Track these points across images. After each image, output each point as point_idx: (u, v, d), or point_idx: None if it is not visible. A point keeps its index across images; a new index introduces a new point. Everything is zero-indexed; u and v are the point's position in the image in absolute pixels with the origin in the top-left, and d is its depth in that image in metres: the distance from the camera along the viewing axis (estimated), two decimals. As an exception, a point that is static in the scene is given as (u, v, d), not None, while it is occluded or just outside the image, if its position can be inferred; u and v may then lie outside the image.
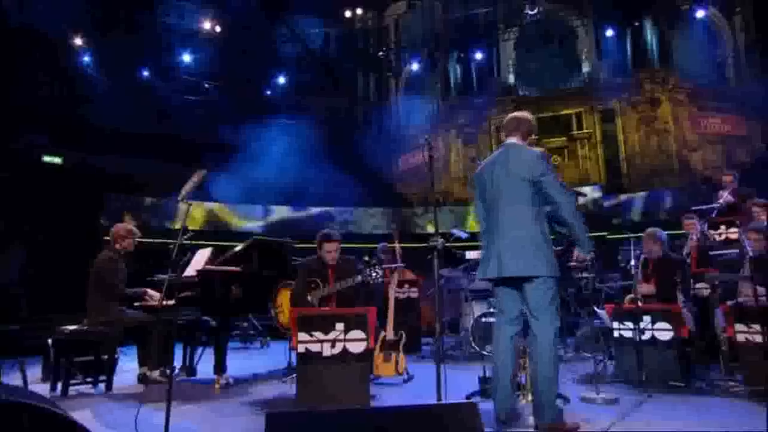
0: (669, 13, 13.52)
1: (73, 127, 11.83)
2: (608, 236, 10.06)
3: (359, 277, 4.11)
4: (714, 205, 6.44)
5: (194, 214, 11.93)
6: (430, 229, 13.48)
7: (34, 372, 4.89)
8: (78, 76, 13.24)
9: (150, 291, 4.60)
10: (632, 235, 5.07)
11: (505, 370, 2.96)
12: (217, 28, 13.87)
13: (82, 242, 8.87)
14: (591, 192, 12.90)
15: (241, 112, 14.08)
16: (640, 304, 4.23)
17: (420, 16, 15.81)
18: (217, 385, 4.24)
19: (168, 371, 4.18)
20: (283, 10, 14.66)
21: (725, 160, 13.49)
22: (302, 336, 3.31)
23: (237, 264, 4.64)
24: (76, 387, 4.29)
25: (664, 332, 4.06)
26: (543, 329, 2.85)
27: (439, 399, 2.58)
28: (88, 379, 4.40)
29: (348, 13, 14.55)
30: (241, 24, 14.02)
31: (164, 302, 4.42)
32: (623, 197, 12.73)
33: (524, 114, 3.23)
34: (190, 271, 4.76)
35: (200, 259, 4.85)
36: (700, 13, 12.99)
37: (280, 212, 13.43)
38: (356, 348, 3.33)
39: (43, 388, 4.36)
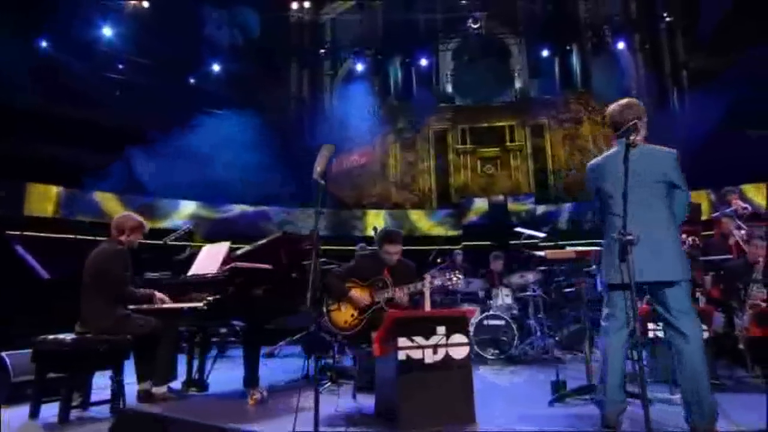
0: (593, 42, 14.74)
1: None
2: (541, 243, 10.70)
3: (437, 281, 3.79)
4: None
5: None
6: (369, 231, 13.26)
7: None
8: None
9: (158, 294, 3.86)
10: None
11: (617, 376, 2.91)
12: (145, 4, 12.49)
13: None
14: (523, 201, 13.75)
15: (166, 98, 12.78)
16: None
17: (359, 16, 15.61)
18: (251, 401, 3.66)
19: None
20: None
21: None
22: (402, 341, 2.95)
23: (261, 261, 4.08)
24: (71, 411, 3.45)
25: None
26: (693, 328, 2.84)
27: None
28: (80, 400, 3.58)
29: (295, 5, 13.90)
30: (172, 2, 12.75)
31: (186, 305, 3.75)
32: (552, 207, 13.65)
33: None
34: (206, 268, 4.10)
35: (213, 255, 4.20)
36: (621, 45, 14.30)
37: (198, 210, 12.26)
38: (459, 354, 3.03)
39: (15, 415, 3.47)
